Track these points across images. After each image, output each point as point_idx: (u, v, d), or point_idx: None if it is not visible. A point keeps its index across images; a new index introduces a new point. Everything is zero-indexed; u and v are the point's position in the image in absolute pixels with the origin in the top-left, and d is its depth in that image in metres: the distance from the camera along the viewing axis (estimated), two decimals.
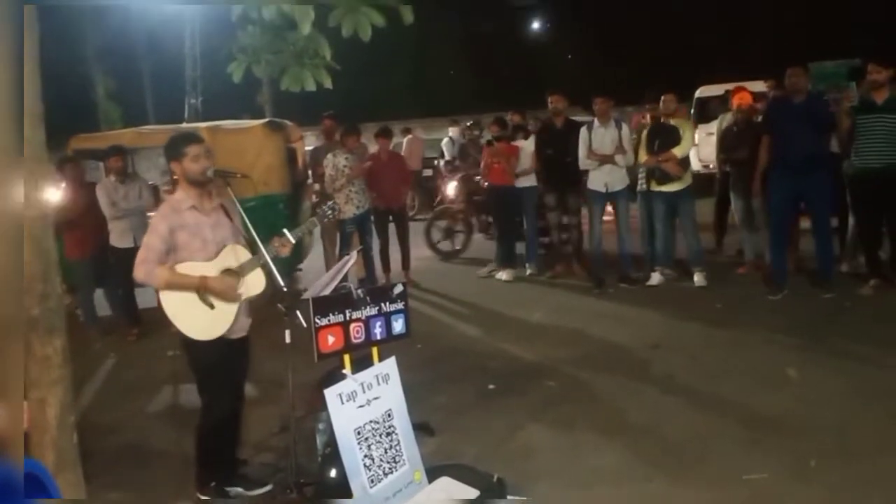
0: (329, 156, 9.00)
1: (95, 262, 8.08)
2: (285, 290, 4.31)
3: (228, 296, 4.12)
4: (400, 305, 4.30)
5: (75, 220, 7.82)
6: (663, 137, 8.21)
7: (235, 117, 11.44)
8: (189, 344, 4.12)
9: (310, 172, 10.23)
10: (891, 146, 6.98)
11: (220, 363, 4.20)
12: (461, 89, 29.30)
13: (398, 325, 4.28)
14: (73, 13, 18.61)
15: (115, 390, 6.57)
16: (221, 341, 4.14)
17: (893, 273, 7.34)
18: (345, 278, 4.62)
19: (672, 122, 8.29)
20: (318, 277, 4.76)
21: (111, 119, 20.21)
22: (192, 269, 4.07)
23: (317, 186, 9.96)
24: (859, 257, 7.80)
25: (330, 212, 4.71)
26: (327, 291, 4.27)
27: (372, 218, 9.36)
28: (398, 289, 4.34)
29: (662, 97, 8.38)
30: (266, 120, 9.87)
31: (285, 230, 4.31)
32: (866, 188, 7.18)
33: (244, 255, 4.21)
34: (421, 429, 4.68)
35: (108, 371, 7.19)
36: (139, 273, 4.00)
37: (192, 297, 4.07)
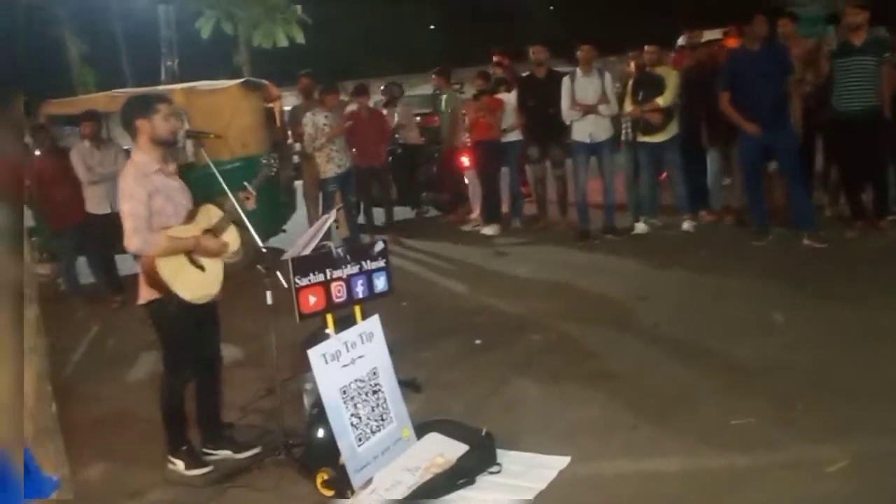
0: (308, 115, 8.84)
1: (75, 230, 7.97)
2: (264, 250, 4.27)
3: (219, 253, 4.12)
4: (381, 263, 4.24)
5: (50, 187, 7.72)
6: (647, 87, 8.11)
7: (213, 78, 11.22)
8: (163, 308, 4.04)
9: (289, 132, 10.08)
10: (869, 88, 6.93)
11: (193, 327, 4.16)
12: (440, 43, 28.93)
13: (380, 283, 4.23)
14: None
15: (98, 359, 6.53)
16: (196, 306, 4.08)
17: (877, 215, 7.32)
18: (327, 237, 4.57)
19: (658, 70, 8.19)
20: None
21: (86, 83, 19.74)
22: (179, 232, 4.01)
23: (297, 146, 9.83)
24: (842, 201, 7.80)
25: (273, 161, 4.59)
26: (307, 251, 4.20)
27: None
28: (379, 246, 4.28)
29: (645, 48, 8.27)
30: (242, 80, 9.68)
31: (245, 183, 4.28)
32: (847, 132, 7.12)
33: (216, 214, 4.16)
34: (408, 385, 4.67)
35: (92, 340, 7.13)
36: (134, 243, 3.87)
37: (183, 261, 4.01)
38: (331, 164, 8.77)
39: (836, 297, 5.81)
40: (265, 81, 9.94)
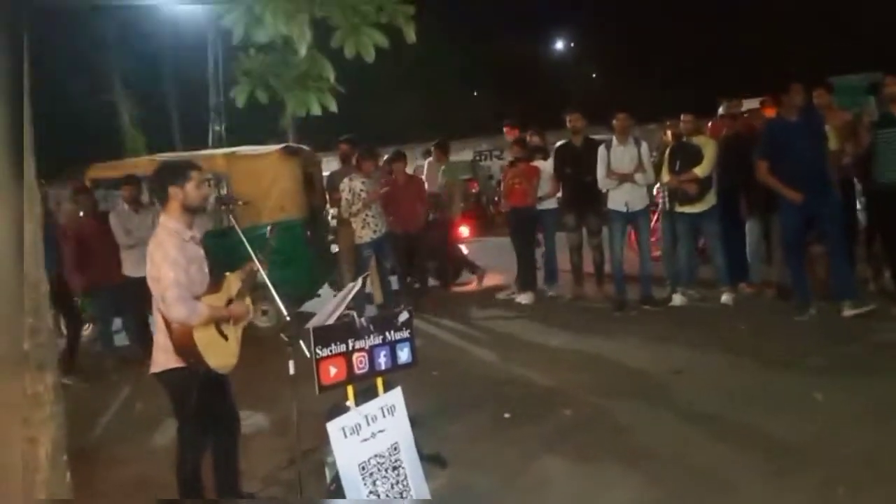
0: (345, 180, 8.90)
1: (113, 291, 8.06)
2: (288, 318, 4.24)
3: (246, 317, 4.16)
4: (405, 333, 4.17)
5: (90, 249, 7.86)
6: (684, 157, 8.04)
7: (259, 142, 11.41)
8: (183, 377, 3.99)
9: (327, 197, 10.16)
10: None
11: (212, 396, 4.11)
12: (481, 111, 29.19)
13: (404, 355, 4.15)
14: (95, 40, 18.89)
15: (127, 421, 6.50)
16: (216, 374, 4.04)
17: None
18: (358, 307, 4.54)
19: (695, 140, 8.12)
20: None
21: (136, 147, 20.36)
22: (212, 301, 4.00)
23: (334, 211, 9.89)
24: (887, 275, 7.56)
25: (275, 234, 4.68)
26: (332, 320, 4.16)
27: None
28: (404, 316, 4.21)
29: (681, 117, 8.22)
30: (282, 145, 9.83)
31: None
32: (890, 204, 6.95)
33: (236, 284, 4.16)
34: (433, 460, 4.55)
35: (123, 401, 7.13)
36: (180, 312, 3.77)
37: (213, 331, 3.99)
38: (366, 229, 8.79)
39: (880, 375, 5.58)
40: (305, 147, 10.09)
